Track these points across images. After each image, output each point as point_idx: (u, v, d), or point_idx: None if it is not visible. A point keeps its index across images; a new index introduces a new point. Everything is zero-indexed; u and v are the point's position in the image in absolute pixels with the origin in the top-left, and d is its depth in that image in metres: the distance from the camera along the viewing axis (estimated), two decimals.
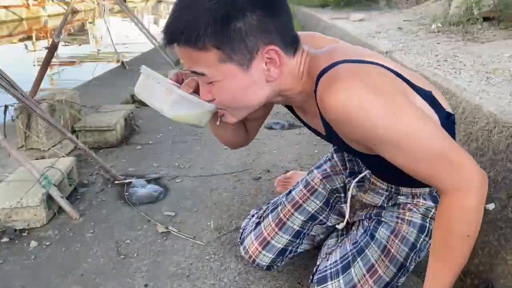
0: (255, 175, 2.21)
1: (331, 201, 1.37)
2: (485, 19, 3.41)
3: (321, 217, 1.37)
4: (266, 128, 3.01)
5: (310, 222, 1.37)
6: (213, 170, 2.30)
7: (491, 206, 1.32)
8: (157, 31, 11.42)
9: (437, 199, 1.19)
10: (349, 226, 1.36)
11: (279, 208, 1.41)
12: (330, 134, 1.01)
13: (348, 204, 1.28)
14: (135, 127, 2.98)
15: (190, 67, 0.89)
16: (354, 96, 0.81)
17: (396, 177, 1.13)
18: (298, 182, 1.47)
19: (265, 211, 1.46)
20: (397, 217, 1.20)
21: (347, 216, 1.30)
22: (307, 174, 1.46)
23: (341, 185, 1.37)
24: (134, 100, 3.63)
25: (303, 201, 1.38)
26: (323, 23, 6.16)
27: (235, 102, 0.93)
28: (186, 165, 2.38)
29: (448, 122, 0.98)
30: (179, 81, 1.03)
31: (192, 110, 0.95)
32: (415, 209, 1.18)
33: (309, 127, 1.18)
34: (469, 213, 0.86)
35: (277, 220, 1.38)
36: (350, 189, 1.27)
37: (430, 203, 1.19)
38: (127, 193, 2.05)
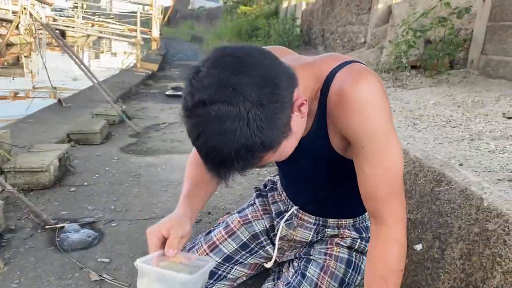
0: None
1: (251, 246, 1.38)
2: (413, 67, 3.70)
3: (237, 257, 1.38)
4: None
5: (226, 264, 1.37)
6: (151, 213, 2.24)
7: (418, 246, 1.39)
8: (98, 66, 11.19)
9: (360, 231, 1.27)
10: (282, 269, 1.38)
11: (196, 247, 1.40)
12: (313, 135, 1.00)
13: (276, 241, 1.30)
14: (70, 168, 2.86)
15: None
16: (371, 91, 0.88)
17: (329, 206, 1.20)
18: (218, 224, 1.48)
19: (198, 237, 1.45)
20: (325, 254, 1.24)
21: (274, 256, 1.32)
22: (228, 217, 1.48)
23: (261, 229, 1.39)
24: (70, 139, 3.50)
25: (220, 242, 1.38)
26: None
27: (291, 152, 0.91)
28: (123, 208, 2.30)
29: None
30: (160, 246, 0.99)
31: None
32: (342, 242, 1.24)
33: None
34: (403, 248, 0.94)
35: (210, 242, 1.37)
36: (280, 228, 1.30)
37: (355, 234, 1.26)
38: (58, 239, 1.94)
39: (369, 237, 1.21)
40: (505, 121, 2.01)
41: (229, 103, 0.74)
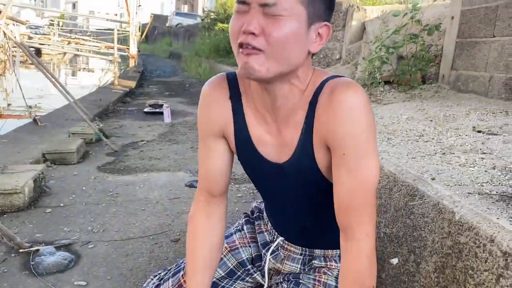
0: (173, 237, 2.16)
1: (238, 273, 1.37)
2: (386, 82, 3.79)
3: (223, 284, 1.36)
4: (186, 186, 2.99)
5: None
6: (129, 233, 2.21)
7: (394, 261, 1.42)
8: (75, 84, 11.03)
9: None
10: None
11: (181, 273, 1.37)
12: (298, 155, 1.00)
13: (266, 274, 1.29)
14: (46, 189, 2.81)
15: None
16: (360, 98, 0.90)
17: (315, 235, 1.19)
18: None
19: (166, 273, 1.41)
20: (314, 279, 1.24)
21: (266, 285, 1.31)
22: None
23: (248, 257, 1.38)
24: (46, 158, 3.44)
25: None
26: None
27: (281, 45, 0.87)
28: (100, 228, 2.27)
29: None
30: None
31: None
32: (329, 273, 1.23)
33: (259, 162, 1.09)
34: (373, 263, 0.95)
35: (177, 285, 1.34)
36: (267, 261, 1.29)
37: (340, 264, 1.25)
38: (33, 262, 1.90)
39: None
40: (475, 134, 2.08)
41: None
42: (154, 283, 1.38)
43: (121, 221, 2.37)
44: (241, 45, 0.88)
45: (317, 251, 1.24)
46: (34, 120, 4.74)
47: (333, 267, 1.24)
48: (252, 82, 1.01)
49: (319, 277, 1.24)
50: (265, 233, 1.36)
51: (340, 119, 0.91)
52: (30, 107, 5.21)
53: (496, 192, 1.30)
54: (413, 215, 1.39)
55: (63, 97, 4.64)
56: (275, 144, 1.03)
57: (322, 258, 1.24)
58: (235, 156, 1.15)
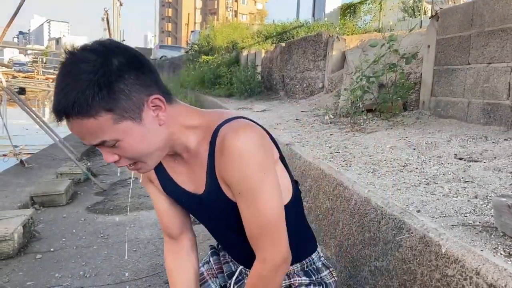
0: (166, 279, 2.15)
1: None
2: (369, 110, 3.88)
3: None
4: None
5: None
6: (121, 276, 2.20)
7: None
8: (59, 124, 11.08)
9: (310, 274, 1.28)
10: None
11: None
12: (209, 188, 1.09)
13: None
14: (35, 233, 2.79)
15: (90, 141, 0.93)
16: (248, 143, 0.98)
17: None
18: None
19: None
20: None
21: None
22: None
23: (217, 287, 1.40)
24: (34, 202, 3.42)
25: None
26: None
27: (140, 152, 0.98)
28: (92, 273, 2.25)
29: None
30: None
31: None
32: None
33: (179, 192, 1.19)
34: (263, 281, 1.07)
35: None
36: None
37: (305, 279, 1.26)
38: None
39: (321, 278, 1.27)
40: (456, 162, 2.14)
41: (94, 53, 0.89)
42: None
43: (113, 264, 2.35)
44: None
45: None
46: (21, 162, 4.72)
47: (298, 283, 1.26)
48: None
49: None
50: (230, 263, 1.40)
51: (231, 165, 1.00)
52: (16, 147, 5.18)
53: (479, 222, 1.35)
54: (402, 248, 1.43)
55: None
56: (188, 177, 1.14)
57: (286, 277, 1.27)
58: None
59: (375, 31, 8.46)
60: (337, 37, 5.80)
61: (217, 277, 1.39)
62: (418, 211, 1.49)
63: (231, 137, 0.98)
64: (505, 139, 2.45)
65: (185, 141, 1.06)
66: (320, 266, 1.30)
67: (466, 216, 1.42)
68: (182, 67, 17.16)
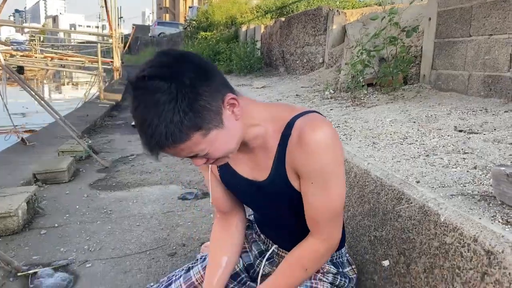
0: (170, 251, 2.19)
1: (230, 286, 1.41)
2: (369, 85, 3.87)
3: None
4: (179, 199, 3.02)
5: None
6: (125, 250, 2.24)
7: (386, 262, 1.47)
8: (60, 100, 10.95)
9: (338, 265, 1.34)
10: None
11: (173, 285, 1.40)
12: (273, 176, 1.14)
13: (259, 280, 1.34)
14: (39, 210, 2.82)
15: (184, 156, 0.98)
16: (326, 138, 1.05)
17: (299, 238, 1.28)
18: (197, 260, 1.49)
19: (158, 286, 1.44)
20: (311, 286, 1.30)
21: None
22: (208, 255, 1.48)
23: (241, 268, 1.42)
24: (36, 179, 3.45)
25: (199, 283, 1.39)
26: None
27: (227, 151, 1.04)
28: (96, 247, 2.29)
29: None
30: None
31: None
32: (324, 278, 1.30)
33: (236, 179, 1.23)
34: (318, 259, 1.16)
35: None
36: (262, 266, 1.35)
37: (333, 269, 1.31)
38: (32, 285, 1.91)
39: (345, 272, 1.35)
40: (456, 134, 2.15)
41: (164, 79, 0.87)
42: (164, 281, 1.41)
43: (117, 238, 2.39)
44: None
45: None
46: (22, 140, 4.73)
47: (326, 269, 1.31)
48: None
49: (315, 284, 1.30)
50: (259, 242, 1.42)
51: (308, 157, 1.06)
52: (16, 126, 5.19)
53: (478, 192, 1.36)
54: (401, 218, 1.45)
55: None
56: (250, 165, 1.19)
57: None
58: None
59: (376, 4, 8.34)
60: (337, 11, 5.72)
61: (241, 257, 1.42)
62: (418, 182, 1.50)
63: (310, 131, 1.04)
64: (505, 111, 2.45)
65: (255, 131, 1.10)
66: (345, 261, 1.38)
67: (465, 186, 1.43)
68: (181, 44, 16.99)
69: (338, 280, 1.32)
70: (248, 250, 1.43)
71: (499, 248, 1.02)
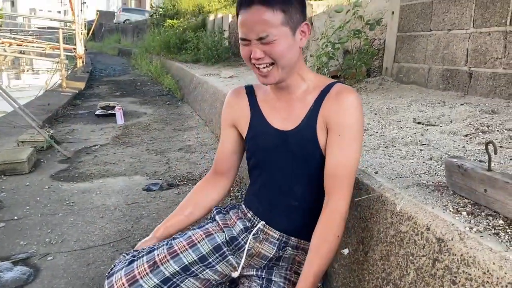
0: (133, 243, 2.18)
1: (210, 259, 1.43)
2: (334, 77, 3.93)
3: (193, 269, 1.42)
4: (144, 190, 3.00)
5: (182, 274, 1.40)
6: (89, 242, 2.21)
7: (345, 251, 1.52)
8: (20, 88, 10.56)
9: None
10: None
11: (156, 252, 1.41)
12: (303, 125, 1.30)
13: (244, 254, 1.39)
14: None
15: (257, 33, 1.16)
16: (358, 102, 1.27)
17: (297, 217, 1.37)
18: (178, 234, 1.52)
19: (140, 252, 1.45)
20: (285, 278, 1.35)
21: (242, 263, 1.39)
22: (190, 231, 1.51)
23: (223, 240, 1.45)
24: None
25: (181, 252, 1.41)
26: (196, 79, 6.41)
27: (284, 56, 1.20)
28: (58, 239, 2.25)
29: None
30: None
31: None
32: (299, 271, 1.34)
33: (264, 128, 1.37)
34: (342, 219, 1.25)
35: (152, 262, 1.39)
36: (248, 241, 1.39)
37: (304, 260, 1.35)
38: None
39: None
40: (415, 126, 2.23)
41: None
42: (127, 259, 1.43)
43: (79, 230, 2.36)
44: (256, 67, 1.23)
45: (293, 239, 1.38)
46: None
47: (303, 258, 1.35)
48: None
49: (290, 276, 1.36)
50: (245, 220, 1.45)
51: (344, 110, 1.25)
52: None
53: (432, 182, 1.43)
54: (360, 207, 1.50)
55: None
56: (283, 115, 1.34)
57: (295, 247, 1.38)
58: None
59: None
60: None
61: (223, 232, 1.46)
62: (376, 173, 1.55)
63: (348, 92, 1.26)
64: (461, 104, 2.55)
65: (299, 81, 1.31)
66: None
67: (420, 177, 1.49)
68: (147, 32, 16.66)
69: None
70: (231, 226, 1.46)
71: (449, 236, 1.08)
